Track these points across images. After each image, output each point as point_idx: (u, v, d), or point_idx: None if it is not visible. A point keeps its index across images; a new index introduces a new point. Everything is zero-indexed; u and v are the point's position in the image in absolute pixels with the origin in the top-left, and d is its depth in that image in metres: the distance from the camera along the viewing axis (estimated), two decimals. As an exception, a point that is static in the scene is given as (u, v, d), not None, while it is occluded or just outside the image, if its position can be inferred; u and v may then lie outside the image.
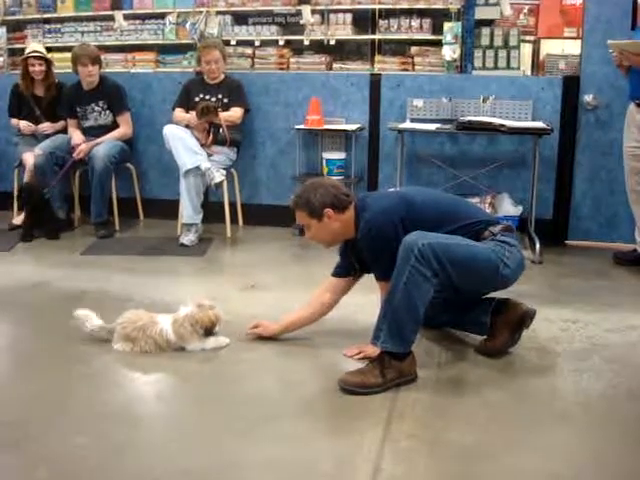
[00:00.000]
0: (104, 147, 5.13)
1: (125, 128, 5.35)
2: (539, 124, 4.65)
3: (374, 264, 2.95)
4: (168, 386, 2.91)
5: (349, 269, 3.12)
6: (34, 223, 5.01)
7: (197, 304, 3.11)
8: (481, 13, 5.22)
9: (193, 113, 5.00)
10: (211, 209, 5.16)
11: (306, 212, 2.95)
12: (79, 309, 3.18)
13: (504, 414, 2.61)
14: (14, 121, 5.50)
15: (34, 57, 5.35)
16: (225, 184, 5.00)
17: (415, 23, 5.62)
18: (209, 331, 3.09)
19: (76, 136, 5.28)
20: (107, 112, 5.32)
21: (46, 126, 5.42)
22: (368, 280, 3.10)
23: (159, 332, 3.07)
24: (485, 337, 3.10)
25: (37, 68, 5.35)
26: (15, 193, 5.34)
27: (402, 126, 4.88)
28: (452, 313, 3.21)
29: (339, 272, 3.16)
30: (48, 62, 5.42)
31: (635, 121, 4.22)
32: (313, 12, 5.68)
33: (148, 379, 2.93)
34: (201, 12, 5.79)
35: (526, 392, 2.77)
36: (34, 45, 5.55)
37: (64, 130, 5.43)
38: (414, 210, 2.90)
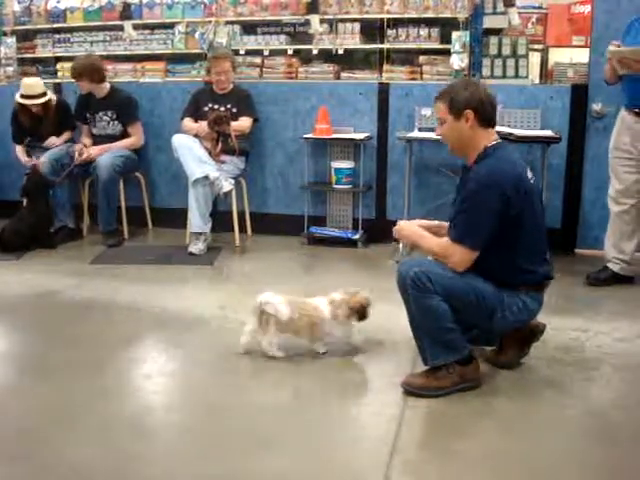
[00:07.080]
0: (109, 156, 5.15)
1: (136, 137, 5.38)
2: (547, 133, 4.65)
3: (457, 215, 2.75)
4: (178, 396, 2.91)
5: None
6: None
7: (345, 291, 3.11)
8: (489, 22, 5.21)
9: (202, 122, 5.02)
10: (220, 218, 5.17)
11: (447, 104, 2.72)
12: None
13: (514, 424, 2.59)
14: (18, 151, 5.44)
15: (28, 104, 5.20)
16: (234, 193, 5.01)
17: (423, 32, 5.62)
18: (362, 315, 3.09)
19: (86, 140, 5.36)
20: (116, 122, 5.34)
21: (52, 140, 5.36)
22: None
23: (314, 308, 3.06)
24: (495, 349, 3.09)
25: (35, 109, 5.26)
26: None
27: (410, 135, 4.88)
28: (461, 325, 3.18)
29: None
30: (43, 96, 5.23)
31: (630, 129, 4.14)
32: (322, 21, 5.69)
33: (158, 389, 2.94)
34: (210, 22, 5.82)
35: (537, 402, 2.76)
36: (26, 83, 5.24)
37: (71, 139, 5.46)
38: (519, 198, 2.66)
